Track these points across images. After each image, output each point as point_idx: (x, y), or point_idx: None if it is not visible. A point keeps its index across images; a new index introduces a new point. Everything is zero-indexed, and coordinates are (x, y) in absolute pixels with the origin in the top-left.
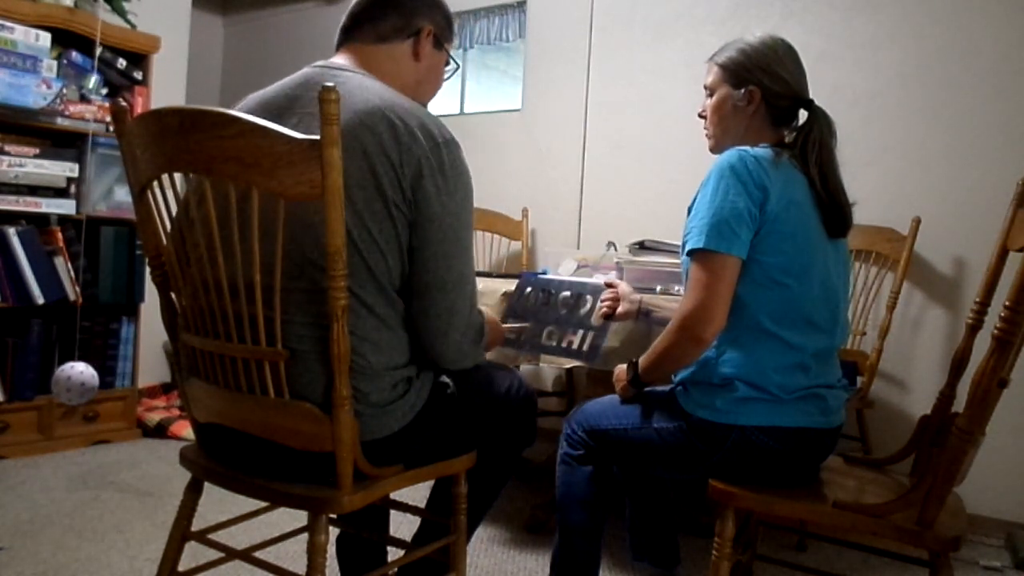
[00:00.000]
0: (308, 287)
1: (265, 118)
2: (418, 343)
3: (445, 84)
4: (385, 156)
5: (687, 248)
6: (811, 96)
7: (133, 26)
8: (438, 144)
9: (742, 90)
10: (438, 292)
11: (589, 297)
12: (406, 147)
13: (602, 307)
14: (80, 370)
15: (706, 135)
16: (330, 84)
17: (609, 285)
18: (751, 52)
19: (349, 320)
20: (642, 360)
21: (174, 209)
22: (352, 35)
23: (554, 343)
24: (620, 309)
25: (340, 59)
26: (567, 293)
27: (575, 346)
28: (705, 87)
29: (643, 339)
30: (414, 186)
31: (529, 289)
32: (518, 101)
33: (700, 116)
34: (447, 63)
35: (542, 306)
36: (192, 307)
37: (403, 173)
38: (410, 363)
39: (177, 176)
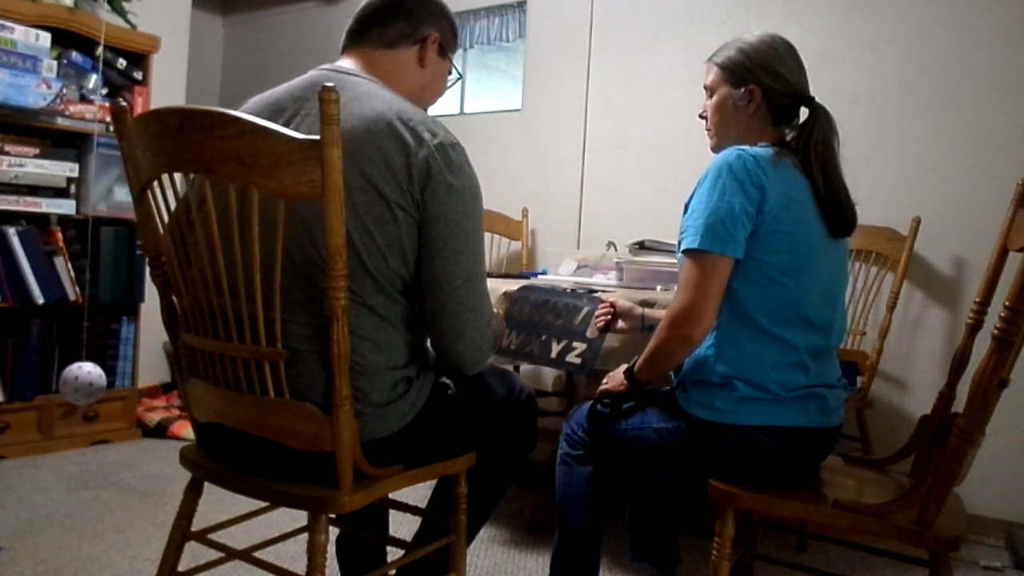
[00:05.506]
0: (308, 287)
1: (269, 119)
2: (421, 344)
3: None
4: (390, 161)
5: (682, 247)
6: (812, 94)
7: (133, 26)
8: (444, 146)
9: (742, 89)
10: (449, 288)
11: (585, 308)
12: (413, 151)
13: (597, 322)
14: (88, 370)
15: (708, 135)
16: (330, 85)
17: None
18: (750, 51)
19: (349, 320)
20: (638, 361)
21: (174, 209)
22: (359, 39)
23: (544, 353)
24: (622, 324)
25: (347, 63)
26: (565, 303)
27: (567, 358)
28: (705, 87)
29: (642, 340)
30: (423, 187)
31: (527, 296)
32: (518, 101)
33: (701, 117)
34: (450, 72)
35: (538, 311)
36: (192, 307)
37: (411, 175)
38: (411, 363)
39: (177, 176)
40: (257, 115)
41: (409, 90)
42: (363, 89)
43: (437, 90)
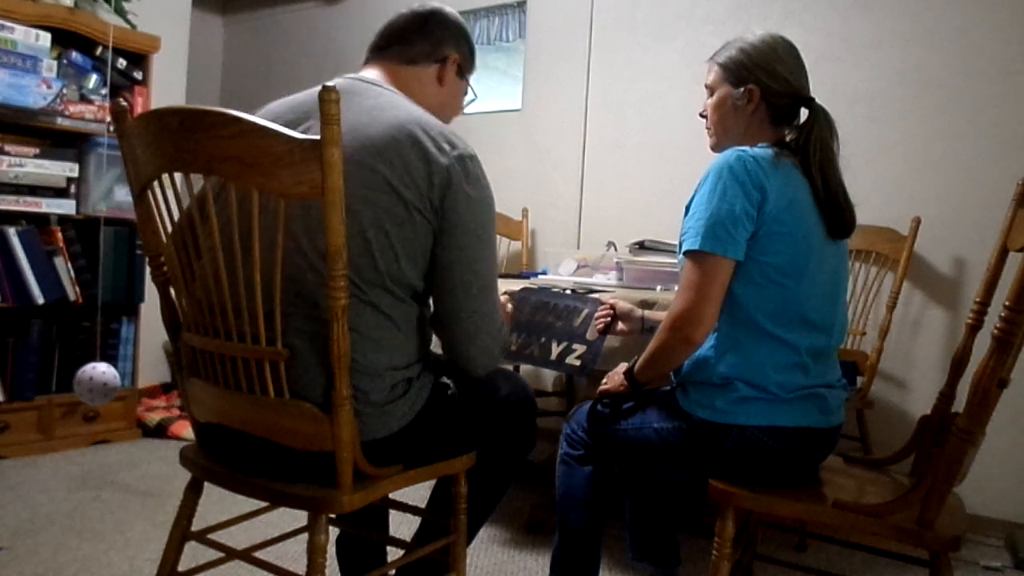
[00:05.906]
0: (312, 285)
1: (289, 123)
2: (424, 345)
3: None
4: (411, 167)
5: (683, 248)
6: (812, 94)
7: (133, 26)
8: (464, 158)
9: (741, 89)
10: (464, 295)
11: (585, 310)
12: (434, 159)
13: (597, 324)
14: (102, 370)
15: (707, 134)
16: (330, 85)
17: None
18: (751, 51)
19: (352, 317)
20: (637, 362)
21: (174, 209)
22: (381, 54)
23: (544, 355)
24: (622, 326)
25: (370, 73)
26: (565, 305)
27: (567, 360)
28: (706, 86)
29: (643, 340)
30: (443, 195)
31: (527, 298)
32: (518, 101)
33: (701, 116)
34: (466, 92)
35: (538, 313)
36: (193, 307)
37: (432, 182)
38: (412, 364)
39: (177, 176)
40: (277, 119)
41: (427, 106)
42: (386, 99)
43: (454, 108)
